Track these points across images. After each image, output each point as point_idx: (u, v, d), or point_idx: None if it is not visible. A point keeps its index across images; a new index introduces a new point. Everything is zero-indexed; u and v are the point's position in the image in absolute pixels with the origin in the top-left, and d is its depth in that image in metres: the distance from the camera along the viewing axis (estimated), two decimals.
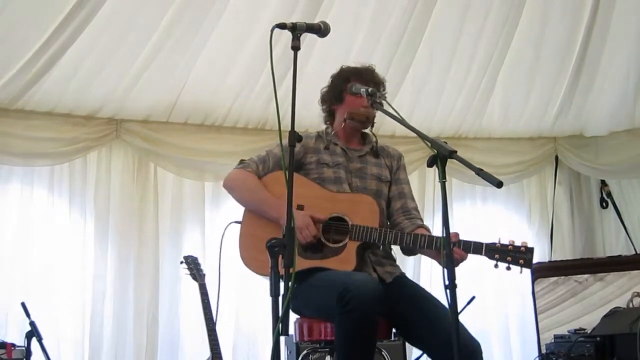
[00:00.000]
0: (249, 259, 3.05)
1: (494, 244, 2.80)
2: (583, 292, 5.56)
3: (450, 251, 2.32)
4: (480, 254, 2.80)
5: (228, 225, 3.18)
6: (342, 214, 2.98)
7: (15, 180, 4.88)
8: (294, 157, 2.47)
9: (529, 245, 2.79)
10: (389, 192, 3.22)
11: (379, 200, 3.09)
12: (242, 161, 3.21)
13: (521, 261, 2.76)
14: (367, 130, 3.32)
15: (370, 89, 2.91)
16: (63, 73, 4.60)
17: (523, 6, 5.12)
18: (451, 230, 2.45)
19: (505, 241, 2.80)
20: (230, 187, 3.18)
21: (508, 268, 2.77)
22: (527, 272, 5.61)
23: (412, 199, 3.26)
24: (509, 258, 2.76)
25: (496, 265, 2.80)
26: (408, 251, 3.21)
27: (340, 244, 2.94)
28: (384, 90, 3.15)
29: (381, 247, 3.08)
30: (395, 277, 3.05)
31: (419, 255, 5.47)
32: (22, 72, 4.48)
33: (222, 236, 3.20)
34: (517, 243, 2.80)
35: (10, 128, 4.76)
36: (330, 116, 3.29)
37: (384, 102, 2.87)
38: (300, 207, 2.97)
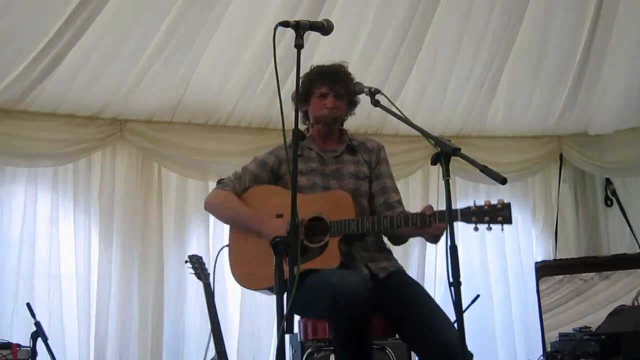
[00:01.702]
0: (243, 277, 3.08)
1: (469, 207, 2.68)
2: (588, 291, 5.55)
3: (453, 247, 2.31)
4: (457, 220, 2.68)
5: (220, 249, 3.23)
6: (320, 214, 2.97)
7: (19, 181, 4.89)
8: (297, 153, 2.47)
9: (506, 201, 2.67)
10: (370, 189, 3.19)
11: (356, 196, 3.06)
12: (219, 181, 3.26)
13: (500, 218, 2.63)
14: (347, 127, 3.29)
15: (373, 88, 2.90)
16: (66, 73, 4.61)
17: (527, 4, 5.11)
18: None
19: (480, 202, 2.71)
20: (211, 209, 3.26)
21: (489, 228, 2.64)
22: (530, 269, 5.68)
23: (396, 191, 3.22)
24: (486, 218, 2.64)
25: (476, 228, 2.66)
26: (394, 239, 3.18)
27: (322, 243, 2.93)
28: (354, 88, 3.01)
29: (365, 238, 3.04)
30: (390, 273, 3.01)
31: (422, 253, 5.59)
32: (25, 73, 4.48)
33: (215, 261, 3.23)
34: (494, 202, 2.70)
35: (14, 129, 4.77)
36: (306, 116, 3.26)
37: (385, 100, 2.84)
38: (280, 216, 2.97)
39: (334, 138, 3.25)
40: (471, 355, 2.61)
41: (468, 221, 2.68)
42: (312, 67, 3.20)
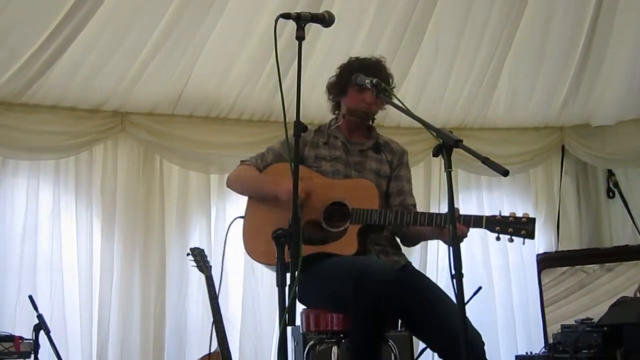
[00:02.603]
0: (254, 251, 3.07)
1: (494, 216, 2.76)
2: (591, 284, 5.54)
3: (456, 238, 2.31)
4: (481, 226, 2.76)
5: (233, 220, 3.21)
6: (342, 199, 2.97)
7: (21, 174, 4.89)
8: (299, 146, 2.47)
9: (531, 216, 2.74)
10: (387, 188, 3.20)
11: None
12: (242, 161, 3.28)
13: (523, 232, 2.71)
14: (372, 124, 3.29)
15: (375, 80, 2.90)
16: (67, 66, 4.60)
17: None
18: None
19: (506, 213, 2.76)
20: (230, 183, 3.30)
21: (510, 240, 2.73)
22: (532, 261, 5.69)
23: (412, 196, 3.23)
24: (510, 229, 2.72)
25: (498, 238, 2.75)
26: (409, 240, 3.20)
27: (341, 228, 2.93)
28: (392, 84, 3.09)
29: (384, 231, 3.06)
30: (402, 267, 3.04)
31: (424, 244, 5.58)
32: (26, 65, 4.48)
33: (227, 231, 3.22)
34: (519, 214, 2.76)
35: (16, 122, 4.77)
36: (336, 107, 3.27)
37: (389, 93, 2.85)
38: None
39: (361, 132, 3.25)
40: (483, 344, 2.71)
41: (492, 230, 2.75)
42: (352, 59, 3.19)
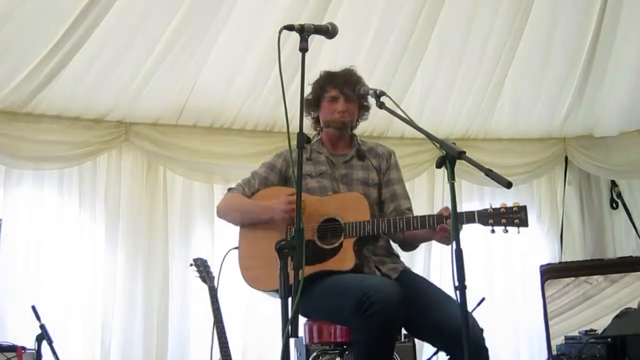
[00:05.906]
0: (252, 278, 3.07)
1: (486, 209, 2.75)
2: (596, 297, 5.53)
3: (458, 251, 2.31)
4: (474, 222, 2.75)
5: (228, 252, 3.24)
6: (334, 215, 2.97)
7: (25, 183, 4.90)
8: (302, 157, 2.47)
9: (521, 204, 2.74)
10: (380, 195, 3.19)
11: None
12: (229, 190, 3.27)
13: (516, 221, 2.70)
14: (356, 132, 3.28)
15: (378, 91, 2.90)
16: (72, 76, 4.62)
17: (531, 6, 5.11)
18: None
19: (496, 205, 2.76)
20: (222, 214, 3.27)
21: (505, 231, 2.71)
22: (536, 273, 5.66)
23: (406, 198, 3.21)
24: (503, 220, 2.71)
25: (492, 231, 2.73)
26: (407, 245, 3.18)
27: (336, 244, 2.93)
28: (359, 88, 3.04)
29: (379, 241, 3.05)
30: (400, 272, 3.03)
31: (427, 257, 5.57)
32: (31, 75, 4.50)
33: (222, 263, 3.22)
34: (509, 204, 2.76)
35: (20, 132, 4.79)
36: (317, 122, 3.27)
37: (391, 103, 2.84)
38: (291, 217, 2.95)
39: (343, 142, 3.25)
40: (481, 330, 2.71)
41: (485, 223, 2.74)
42: (322, 73, 3.20)
